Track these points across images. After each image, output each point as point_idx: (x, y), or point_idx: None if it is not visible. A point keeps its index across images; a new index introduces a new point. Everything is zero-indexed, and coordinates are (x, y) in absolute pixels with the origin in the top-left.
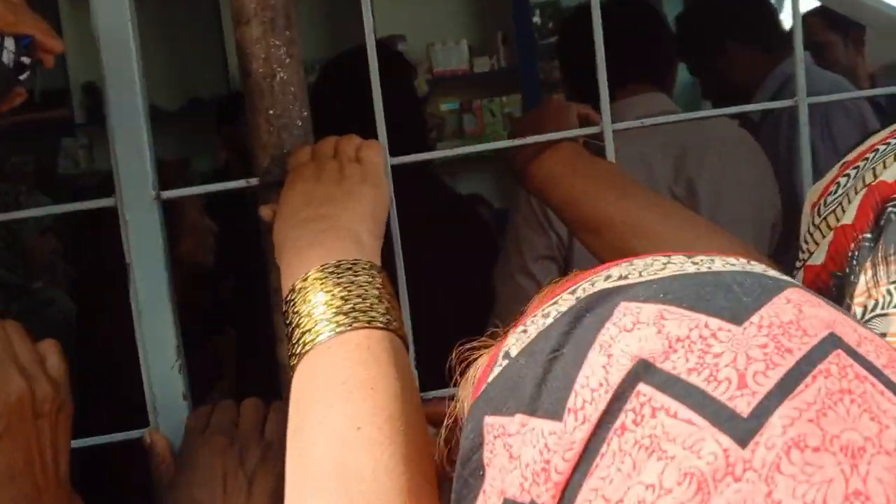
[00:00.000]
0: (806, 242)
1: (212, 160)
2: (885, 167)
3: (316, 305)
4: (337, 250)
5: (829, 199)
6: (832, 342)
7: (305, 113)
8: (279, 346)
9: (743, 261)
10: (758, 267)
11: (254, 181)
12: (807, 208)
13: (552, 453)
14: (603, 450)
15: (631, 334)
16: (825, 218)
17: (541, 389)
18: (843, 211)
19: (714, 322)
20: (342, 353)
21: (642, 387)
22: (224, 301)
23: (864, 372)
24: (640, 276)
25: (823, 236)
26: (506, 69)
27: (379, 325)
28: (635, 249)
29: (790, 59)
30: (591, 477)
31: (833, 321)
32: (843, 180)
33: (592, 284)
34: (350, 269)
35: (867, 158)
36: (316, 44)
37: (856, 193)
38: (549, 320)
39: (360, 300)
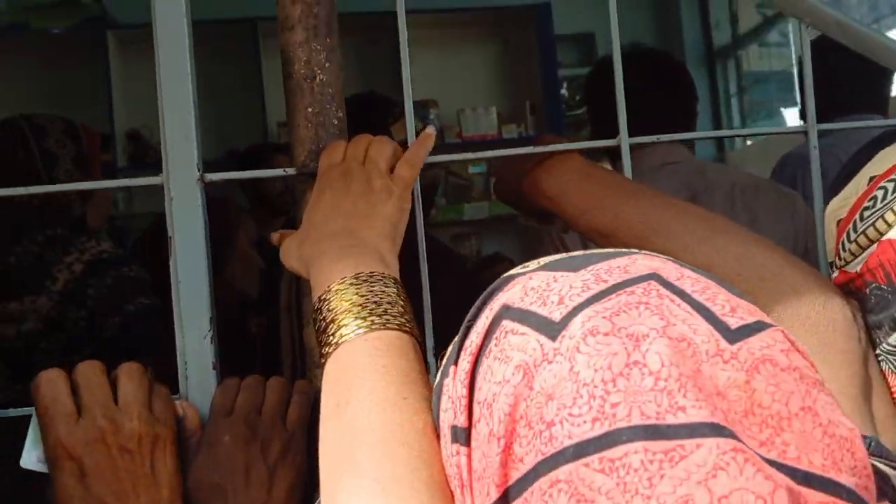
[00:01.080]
0: (841, 253)
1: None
2: None
3: (352, 306)
4: (364, 264)
5: (867, 213)
6: (650, 276)
7: (341, 114)
8: (306, 328)
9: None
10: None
11: (291, 171)
12: (831, 224)
13: (459, 385)
14: (479, 371)
15: (506, 293)
16: (864, 232)
17: (459, 348)
18: (889, 225)
19: (559, 273)
20: (378, 345)
21: (503, 322)
22: (253, 336)
23: (669, 293)
24: (539, 262)
25: (862, 248)
26: (533, 137)
27: (406, 329)
28: (654, 247)
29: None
30: (474, 392)
31: (661, 267)
32: (879, 193)
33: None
34: (379, 280)
35: None
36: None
37: None
38: (477, 301)
39: (389, 306)
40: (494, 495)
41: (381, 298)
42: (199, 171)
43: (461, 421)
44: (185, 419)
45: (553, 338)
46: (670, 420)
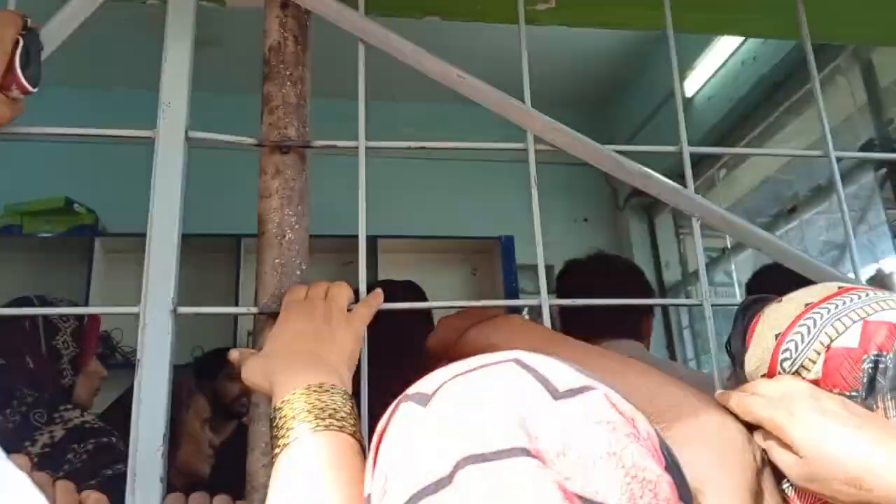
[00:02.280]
0: (791, 358)
1: None
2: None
3: (302, 410)
4: (321, 377)
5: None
6: (512, 359)
7: (304, 266)
8: (251, 454)
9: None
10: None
11: (254, 309)
12: (769, 340)
13: (370, 459)
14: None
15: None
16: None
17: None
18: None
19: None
20: (324, 444)
21: (401, 405)
22: None
23: (521, 370)
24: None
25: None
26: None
27: (348, 432)
28: None
29: None
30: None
31: (526, 356)
32: (816, 317)
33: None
34: (330, 391)
35: (836, 304)
36: None
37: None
38: None
39: (334, 411)
40: None
41: (327, 405)
42: (173, 304)
43: (367, 486)
44: None
45: (426, 404)
46: (492, 448)
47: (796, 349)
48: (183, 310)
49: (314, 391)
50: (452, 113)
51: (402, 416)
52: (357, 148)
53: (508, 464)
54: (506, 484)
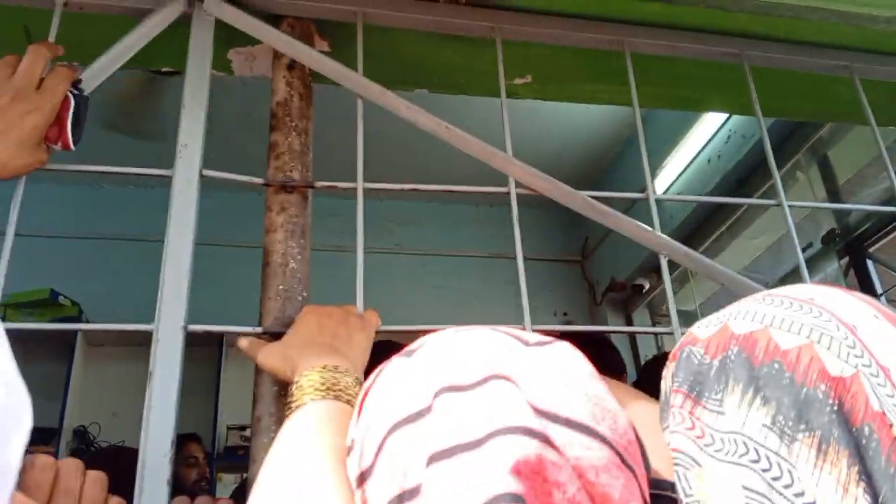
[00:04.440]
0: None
1: None
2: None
3: (314, 383)
4: (337, 362)
5: None
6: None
7: (305, 293)
8: (252, 465)
9: None
10: None
11: (258, 329)
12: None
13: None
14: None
15: None
16: None
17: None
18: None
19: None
20: (324, 407)
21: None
22: None
23: (495, 330)
24: None
25: None
26: None
27: (353, 404)
28: None
29: None
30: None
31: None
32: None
33: None
34: (343, 373)
35: None
36: None
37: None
38: None
39: (344, 388)
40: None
41: (338, 382)
42: (184, 322)
43: (351, 433)
44: None
45: (409, 356)
46: (470, 380)
47: None
48: (193, 327)
49: (329, 371)
50: (431, 209)
51: (388, 371)
52: (356, 189)
53: (484, 388)
54: (482, 403)
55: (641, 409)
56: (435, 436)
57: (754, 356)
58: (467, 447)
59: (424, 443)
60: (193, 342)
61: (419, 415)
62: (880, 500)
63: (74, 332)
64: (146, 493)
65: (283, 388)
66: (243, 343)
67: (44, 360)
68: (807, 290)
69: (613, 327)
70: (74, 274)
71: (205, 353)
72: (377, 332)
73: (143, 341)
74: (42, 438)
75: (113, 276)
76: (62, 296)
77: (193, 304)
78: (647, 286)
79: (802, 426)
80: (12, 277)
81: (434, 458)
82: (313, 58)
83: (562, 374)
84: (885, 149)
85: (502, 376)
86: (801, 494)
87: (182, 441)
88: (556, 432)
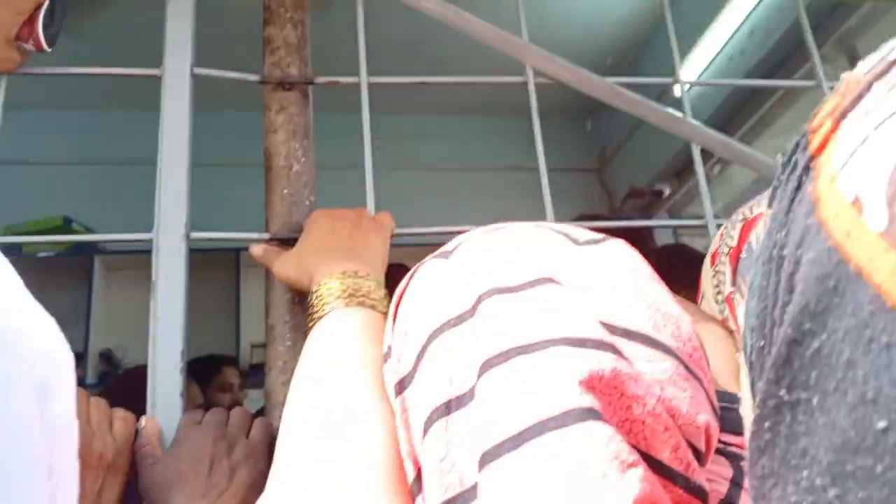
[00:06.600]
0: (718, 285)
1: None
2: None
3: (336, 289)
4: (356, 267)
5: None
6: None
7: (312, 198)
8: (269, 374)
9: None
10: None
11: (266, 235)
12: (707, 266)
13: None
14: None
15: None
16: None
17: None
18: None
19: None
20: (353, 314)
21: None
22: None
23: (539, 226)
24: None
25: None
26: None
27: (378, 309)
28: None
29: None
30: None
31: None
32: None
33: None
34: (364, 278)
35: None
36: None
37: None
38: None
39: (367, 293)
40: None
41: (360, 287)
42: (185, 228)
43: (387, 340)
44: (146, 429)
45: (445, 258)
46: (518, 282)
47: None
48: (196, 235)
49: (349, 276)
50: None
51: (423, 273)
52: (359, 84)
53: (535, 291)
54: (536, 306)
55: (702, 328)
56: (484, 339)
57: None
58: (524, 350)
59: (472, 347)
60: (210, 262)
61: (460, 318)
62: None
63: (91, 259)
64: (158, 408)
65: (296, 296)
66: (257, 251)
67: (64, 288)
68: None
69: (654, 221)
70: (88, 201)
71: (223, 273)
72: (392, 236)
73: None
74: None
75: (125, 201)
76: (75, 222)
77: (206, 224)
78: (667, 191)
79: None
80: (25, 206)
81: (488, 364)
82: None
83: (619, 278)
84: None
85: (553, 279)
86: None
87: (218, 365)
88: (622, 344)
